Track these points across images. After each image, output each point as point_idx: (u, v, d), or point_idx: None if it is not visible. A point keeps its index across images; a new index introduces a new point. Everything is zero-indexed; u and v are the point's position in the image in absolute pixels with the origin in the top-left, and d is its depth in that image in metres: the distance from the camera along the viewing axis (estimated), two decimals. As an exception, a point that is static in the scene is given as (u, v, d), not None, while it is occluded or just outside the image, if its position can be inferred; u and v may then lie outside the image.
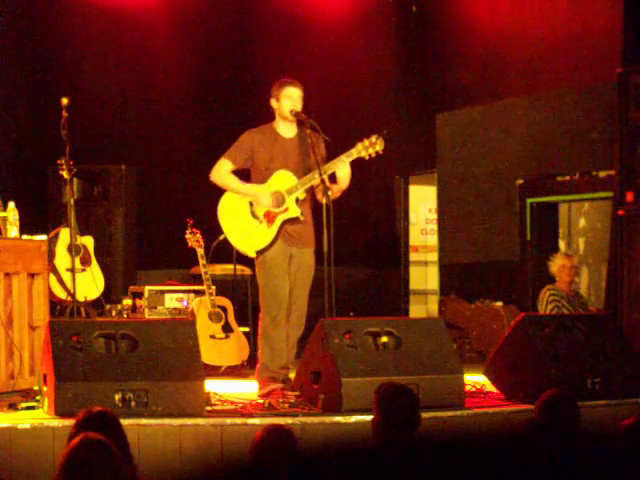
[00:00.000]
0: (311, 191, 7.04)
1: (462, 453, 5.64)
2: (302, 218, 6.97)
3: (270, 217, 6.96)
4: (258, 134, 7.09)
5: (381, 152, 7.00)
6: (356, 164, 7.12)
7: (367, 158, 6.99)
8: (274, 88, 7.07)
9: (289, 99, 7.00)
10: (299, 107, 7.02)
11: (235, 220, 7.00)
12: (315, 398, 6.15)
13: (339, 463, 5.53)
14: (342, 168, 6.90)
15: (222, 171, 7.04)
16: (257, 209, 6.98)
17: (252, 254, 7.04)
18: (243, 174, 7.13)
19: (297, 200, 6.97)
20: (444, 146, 11.18)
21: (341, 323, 6.38)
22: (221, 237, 7.28)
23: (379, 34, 11.98)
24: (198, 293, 8.96)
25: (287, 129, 7.10)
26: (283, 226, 6.96)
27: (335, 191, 6.84)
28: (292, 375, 6.83)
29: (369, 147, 6.95)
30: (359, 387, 5.95)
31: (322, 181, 6.76)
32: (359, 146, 6.95)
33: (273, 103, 7.08)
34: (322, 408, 6.06)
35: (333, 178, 6.92)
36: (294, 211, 6.98)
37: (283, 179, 6.98)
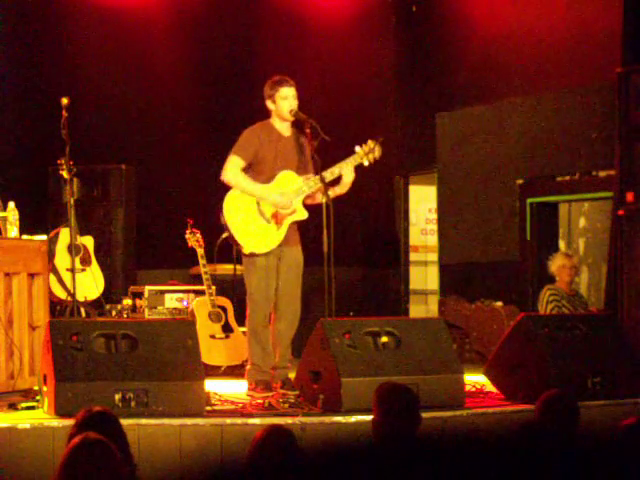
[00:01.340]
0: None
1: (462, 453, 5.64)
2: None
3: (278, 218, 6.95)
4: (261, 131, 7.06)
5: (379, 159, 7.01)
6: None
7: (366, 164, 6.99)
8: (267, 89, 7.04)
9: (285, 100, 6.99)
10: (295, 105, 7.01)
11: (243, 218, 6.95)
12: (315, 398, 6.15)
13: (339, 463, 5.53)
14: (348, 174, 6.91)
15: (235, 170, 6.93)
16: (265, 209, 6.95)
17: (247, 250, 7.00)
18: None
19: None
20: (444, 146, 11.17)
21: (341, 323, 6.38)
22: (224, 235, 7.24)
23: (379, 34, 11.98)
24: (198, 293, 8.96)
25: (284, 127, 7.10)
26: (289, 227, 6.98)
27: (336, 193, 6.87)
28: (292, 375, 6.83)
29: (369, 153, 6.96)
30: (359, 387, 5.95)
31: (322, 180, 6.77)
32: (360, 152, 6.95)
33: (269, 105, 7.06)
34: (322, 408, 6.05)
35: (338, 180, 6.93)
36: (302, 213, 6.98)
37: (289, 180, 6.98)
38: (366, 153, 6.96)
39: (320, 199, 6.81)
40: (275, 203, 6.92)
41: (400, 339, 6.31)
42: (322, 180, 6.78)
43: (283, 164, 6.99)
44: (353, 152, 6.99)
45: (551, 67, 10.13)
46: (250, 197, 6.95)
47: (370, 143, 6.99)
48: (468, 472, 4.60)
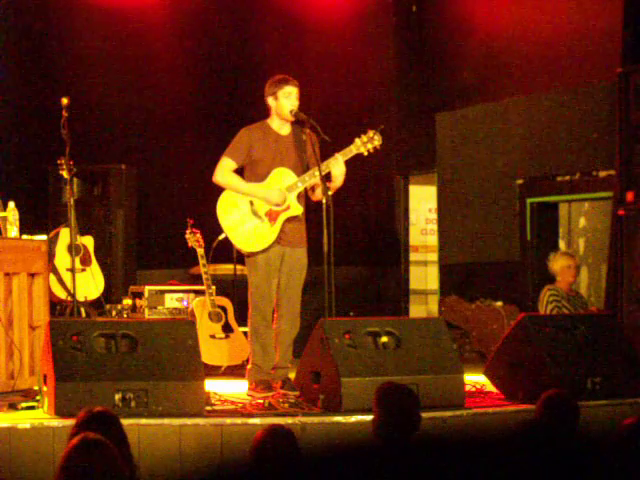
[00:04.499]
0: (305, 189, 7.05)
1: (462, 453, 5.64)
2: (301, 216, 7.00)
3: (273, 215, 6.95)
4: (255, 131, 7.06)
5: (379, 147, 7.00)
6: (356, 163, 7.11)
7: (366, 154, 6.98)
8: (270, 86, 7.02)
9: (288, 98, 6.98)
10: (297, 105, 7.00)
11: (236, 219, 6.97)
12: (315, 398, 6.15)
13: (339, 463, 5.52)
14: (336, 166, 6.88)
15: (225, 171, 6.97)
16: (258, 208, 6.96)
17: (244, 250, 7.00)
18: (237, 171, 7.10)
19: (298, 196, 6.99)
20: (444, 146, 11.17)
21: (341, 323, 6.38)
22: (221, 237, 7.27)
23: (379, 34, 11.98)
24: (198, 293, 8.96)
25: (282, 126, 7.07)
26: (284, 224, 6.96)
27: (332, 187, 6.85)
28: (292, 375, 6.83)
29: (367, 143, 6.95)
30: (359, 387, 5.95)
31: (322, 180, 6.76)
32: (357, 142, 6.95)
33: (270, 102, 7.04)
34: (322, 408, 6.05)
35: (328, 176, 6.91)
36: (296, 209, 6.97)
37: (282, 176, 6.97)
38: (364, 142, 6.95)
39: (320, 196, 6.80)
40: (266, 200, 6.93)
41: (400, 339, 6.30)
42: (320, 173, 6.76)
43: (278, 162, 6.98)
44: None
45: (551, 67, 10.13)
46: (243, 197, 6.96)
47: (370, 132, 6.99)
48: (468, 472, 4.59)
